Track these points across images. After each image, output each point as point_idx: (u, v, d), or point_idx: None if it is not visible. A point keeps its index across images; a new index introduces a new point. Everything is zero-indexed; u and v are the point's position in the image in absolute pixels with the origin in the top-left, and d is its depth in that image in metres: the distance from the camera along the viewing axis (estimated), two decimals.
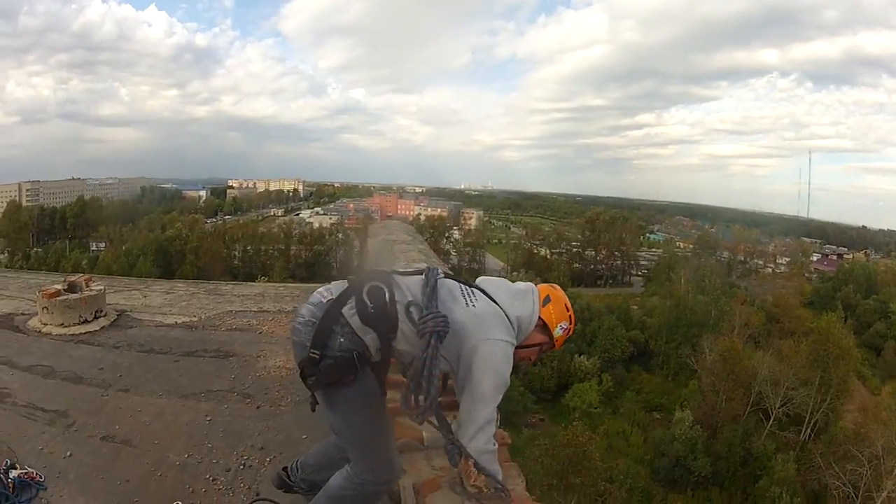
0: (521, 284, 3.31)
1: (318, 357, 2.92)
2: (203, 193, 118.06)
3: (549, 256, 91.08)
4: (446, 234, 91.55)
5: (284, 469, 3.82)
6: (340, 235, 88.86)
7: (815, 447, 37.79)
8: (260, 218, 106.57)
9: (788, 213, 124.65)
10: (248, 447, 4.80)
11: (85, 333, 7.26)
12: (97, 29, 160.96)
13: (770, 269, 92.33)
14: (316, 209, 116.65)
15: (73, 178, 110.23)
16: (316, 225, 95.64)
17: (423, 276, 3.08)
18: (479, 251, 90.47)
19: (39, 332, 7.20)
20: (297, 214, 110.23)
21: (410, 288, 3.02)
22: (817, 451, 36.31)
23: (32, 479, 4.03)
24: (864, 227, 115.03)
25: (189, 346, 7.13)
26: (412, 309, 2.94)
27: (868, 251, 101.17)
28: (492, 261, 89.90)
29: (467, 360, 2.95)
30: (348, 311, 2.93)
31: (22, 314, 7.89)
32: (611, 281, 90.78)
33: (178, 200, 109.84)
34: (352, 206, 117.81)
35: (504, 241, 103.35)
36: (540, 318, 3.19)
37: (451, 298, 3.04)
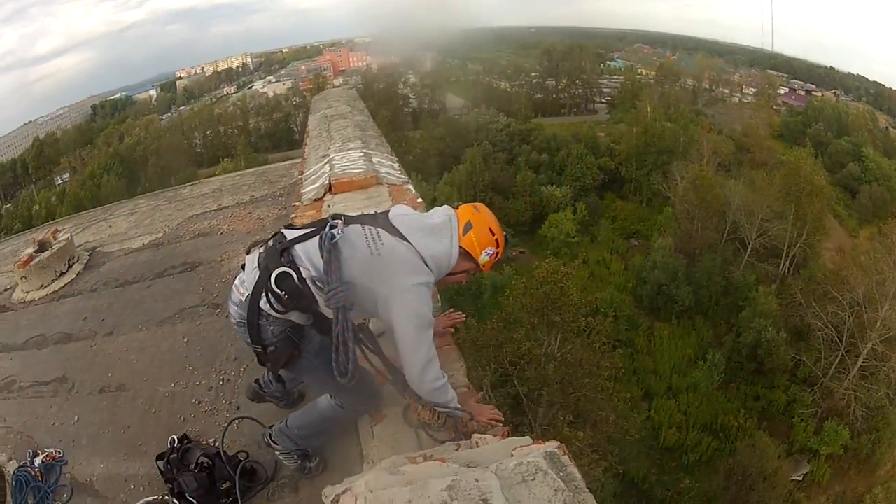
0: (437, 216, 3.22)
1: (262, 350, 3.12)
2: (153, 93, 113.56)
3: (509, 89, 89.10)
4: (403, 80, 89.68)
5: (257, 381, 4.07)
6: (297, 99, 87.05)
7: (794, 283, 38.12)
8: (214, 100, 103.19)
9: (752, 45, 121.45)
10: (223, 360, 5.12)
11: (64, 286, 7.52)
12: None
13: (737, 99, 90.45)
14: (268, 79, 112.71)
15: (26, 124, 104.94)
16: (270, 94, 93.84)
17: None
18: (438, 91, 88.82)
19: (25, 302, 7.43)
20: (251, 88, 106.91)
21: (311, 258, 2.99)
22: (797, 288, 36.46)
23: (54, 459, 4.47)
24: (832, 67, 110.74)
25: (158, 267, 7.43)
26: (318, 283, 2.96)
27: (837, 92, 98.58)
28: (452, 99, 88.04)
29: (384, 312, 2.99)
30: (265, 304, 3.00)
31: (5, 290, 8.03)
32: (574, 109, 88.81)
33: (130, 107, 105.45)
34: (303, 67, 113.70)
35: (462, 79, 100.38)
36: (462, 247, 3.15)
37: (353, 251, 2.99)
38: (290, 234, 3.09)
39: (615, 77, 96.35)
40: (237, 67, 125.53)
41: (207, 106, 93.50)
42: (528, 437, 2.76)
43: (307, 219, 4.92)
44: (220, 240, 7.79)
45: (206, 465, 3.74)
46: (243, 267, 3.16)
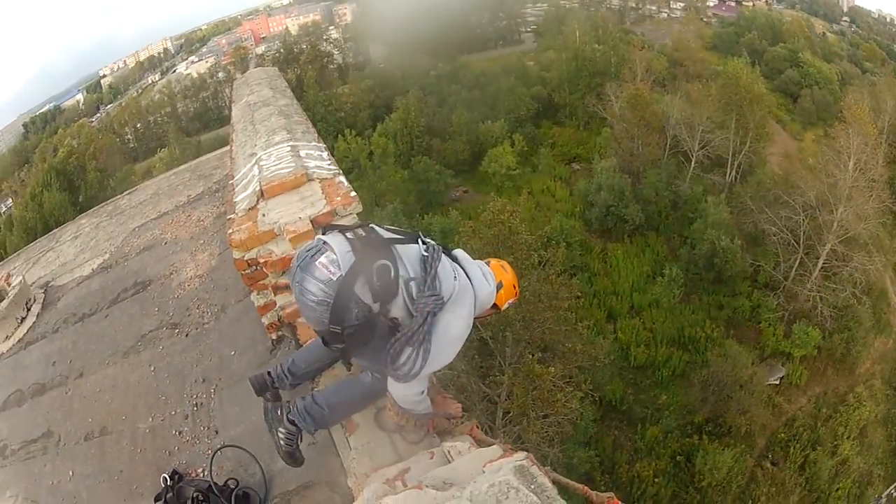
0: (488, 272, 3.59)
1: (339, 331, 3.16)
2: (80, 97, 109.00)
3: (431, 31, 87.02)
4: (324, 37, 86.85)
5: (268, 373, 4.10)
6: (221, 74, 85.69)
7: (743, 190, 38.62)
8: (140, 92, 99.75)
9: None
10: (192, 384, 5.06)
11: (27, 332, 7.24)
12: None
13: (665, 15, 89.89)
14: (191, 59, 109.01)
15: None
16: (195, 74, 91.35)
17: (419, 249, 3.25)
18: (361, 43, 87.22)
19: None
20: (174, 72, 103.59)
21: (410, 261, 3.19)
22: (747, 195, 36.95)
23: None
24: None
25: (111, 292, 7.23)
26: (412, 284, 3.14)
27: (769, 0, 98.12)
28: (377, 49, 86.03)
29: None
30: (360, 288, 3.10)
31: None
32: (501, 42, 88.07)
33: (59, 116, 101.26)
34: (223, 41, 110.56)
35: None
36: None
37: (442, 269, 3.23)
38: (384, 233, 3.30)
39: (539, 5, 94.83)
40: (159, 54, 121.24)
41: (134, 99, 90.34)
42: (496, 446, 3.01)
43: (244, 233, 4.70)
44: (166, 251, 7.66)
45: (200, 499, 3.79)
46: (325, 244, 3.21)
